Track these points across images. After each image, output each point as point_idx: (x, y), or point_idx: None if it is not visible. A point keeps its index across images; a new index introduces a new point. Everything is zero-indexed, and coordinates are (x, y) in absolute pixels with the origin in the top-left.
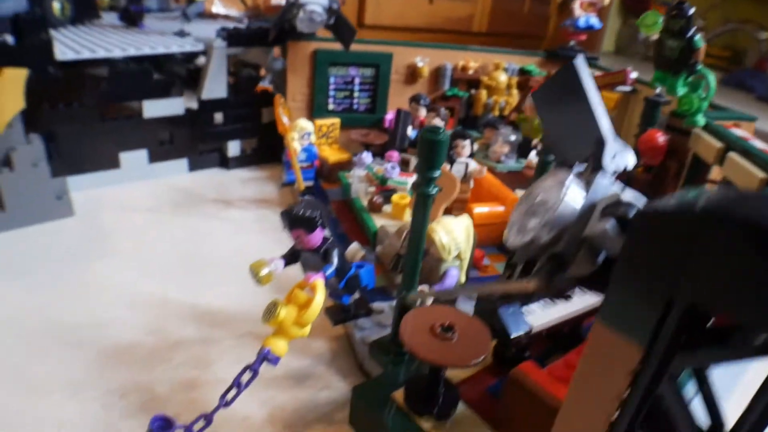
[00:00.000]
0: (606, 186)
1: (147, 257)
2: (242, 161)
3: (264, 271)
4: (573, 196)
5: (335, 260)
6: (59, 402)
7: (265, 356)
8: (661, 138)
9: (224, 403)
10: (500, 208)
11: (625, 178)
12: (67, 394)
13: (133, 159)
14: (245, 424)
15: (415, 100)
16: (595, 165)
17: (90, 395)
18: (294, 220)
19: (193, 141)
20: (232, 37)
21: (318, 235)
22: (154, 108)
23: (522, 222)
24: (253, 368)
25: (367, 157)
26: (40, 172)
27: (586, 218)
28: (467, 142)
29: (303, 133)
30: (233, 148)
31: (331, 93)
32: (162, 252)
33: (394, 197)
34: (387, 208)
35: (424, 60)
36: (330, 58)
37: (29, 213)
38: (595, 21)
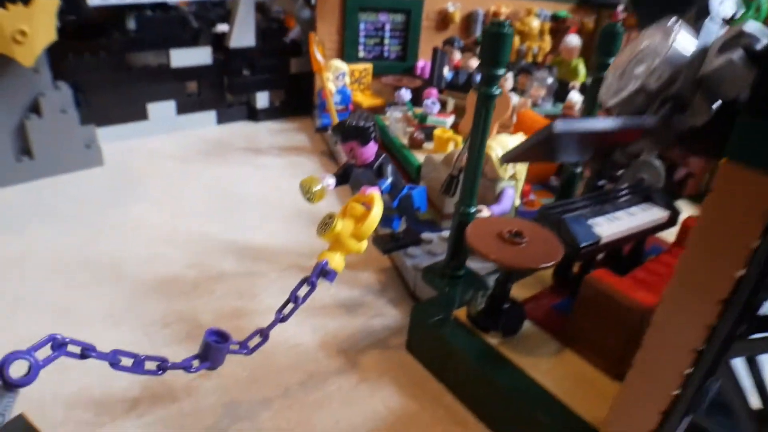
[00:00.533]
0: (716, 31)
1: (181, 199)
2: (271, 113)
3: (317, 187)
4: (682, 40)
5: (390, 174)
6: (101, 331)
7: (322, 267)
8: None
9: (281, 317)
10: None
11: None
12: (108, 324)
13: (161, 110)
14: (297, 350)
15: (449, 42)
16: (699, 13)
17: (132, 324)
18: (347, 132)
19: (221, 92)
20: None
21: (372, 148)
22: (182, 57)
23: (627, 70)
24: (310, 281)
25: (406, 93)
26: (68, 119)
27: (699, 60)
28: (510, 75)
29: (338, 74)
30: (262, 99)
31: (361, 40)
32: (196, 195)
33: (436, 131)
34: (427, 145)
35: (455, 5)
36: (360, 2)
37: (58, 161)
38: None
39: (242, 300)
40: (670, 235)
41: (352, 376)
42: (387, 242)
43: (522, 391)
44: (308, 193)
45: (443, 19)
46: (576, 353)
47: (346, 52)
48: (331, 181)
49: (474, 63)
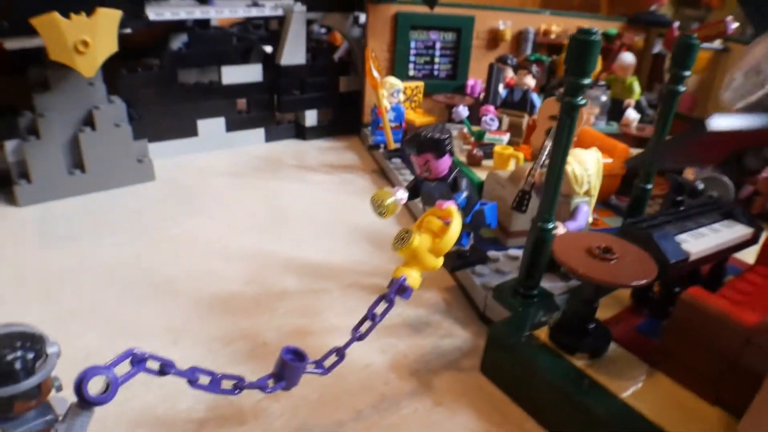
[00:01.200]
0: None
1: (234, 215)
2: (319, 132)
3: (389, 200)
4: None
5: (465, 188)
6: (160, 347)
7: (401, 284)
8: None
9: (358, 336)
10: (609, 160)
11: None
12: (168, 340)
13: (211, 127)
14: (368, 371)
15: (501, 60)
16: None
17: (193, 341)
18: (423, 144)
19: (270, 110)
20: (313, 0)
21: (446, 161)
22: (233, 74)
23: (760, 73)
24: (388, 298)
25: (464, 110)
26: (122, 133)
27: None
28: None
29: (393, 90)
30: (310, 117)
31: (412, 58)
32: (248, 210)
33: (497, 148)
34: (486, 162)
35: (506, 23)
36: (411, 21)
37: (110, 175)
38: None
39: (306, 318)
40: (744, 254)
41: (427, 399)
42: (454, 260)
43: (616, 416)
44: (380, 207)
45: (494, 38)
46: (668, 376)
47: (397, 70)
48: (403, 194)
49: (529, 80)
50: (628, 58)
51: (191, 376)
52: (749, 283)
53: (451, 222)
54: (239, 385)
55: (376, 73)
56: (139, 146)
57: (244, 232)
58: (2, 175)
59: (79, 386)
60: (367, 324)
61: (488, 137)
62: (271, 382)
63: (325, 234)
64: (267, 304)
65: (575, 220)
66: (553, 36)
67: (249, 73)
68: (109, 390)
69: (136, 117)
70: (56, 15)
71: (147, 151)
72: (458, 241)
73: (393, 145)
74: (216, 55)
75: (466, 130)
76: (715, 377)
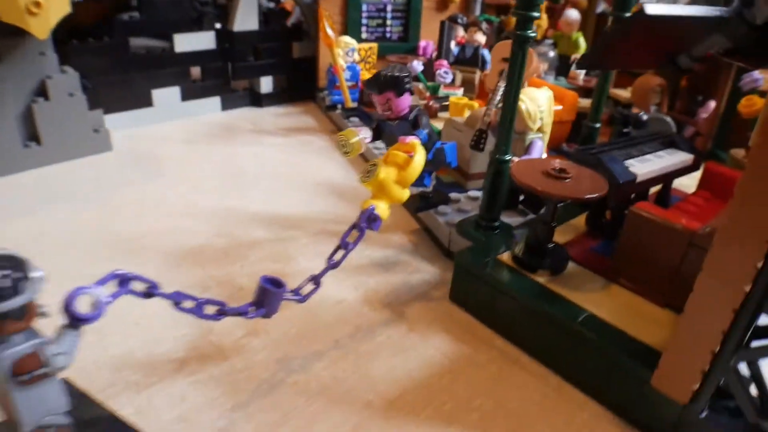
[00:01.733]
0: None
1: (196, 177)
2: (274, 98)
3: (354, 139)
4: None
5: (426, 126)
6: (136, 301)
7: (371, 213)
8: None
9: (333, 264)
10: (559, 107)
11: None
12: (141, 292)
13: (166, 97)
14: (341, 306)
15: (452, 19)
16: None
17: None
18: (384, 82)
19: (225, 77)
20: None
21: (407, 99)
22: (185, 42)
23: None
24: (359, 226)
25: (418, 65)
26: (76, 103)
27: None
28: None
29: (347, 50)
30: (265, 84)
31: (364, 21)
32: (210, 172)
33: (452, 98)
34: (442, 114)
35: None
36: None
37: (67, 146)
38: None
39: (278, 264)
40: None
41: (401, 327)
42: (417, 202)
43: (580, 322)
44: (345, 145)
45: (443, 0)
46: (622, 287)
47: (350, 33)
48: (367, 133)
49: (479, 37)
50: (573, 14)
51: (176, 298)
52: (692, 204)
53: (415, 155)
54: (222, 310)
55: (330, 32)
56: (95, 116)
57: (207, 192)
58: None
59: (68, 304)
60: (341, 252)
61: (442, 92)
62: (252, 309)
63: (289, 190)
64: (237, 253)
65: (530, 155)
66: None
67: (202, 40)
68: (97, 309)
69: (90, 87)
70: None
71: (103, 121)
72: (421, 182)
73: (350, 104)
74: (168, 23)
75: (421, 85)
76: (664, 282)
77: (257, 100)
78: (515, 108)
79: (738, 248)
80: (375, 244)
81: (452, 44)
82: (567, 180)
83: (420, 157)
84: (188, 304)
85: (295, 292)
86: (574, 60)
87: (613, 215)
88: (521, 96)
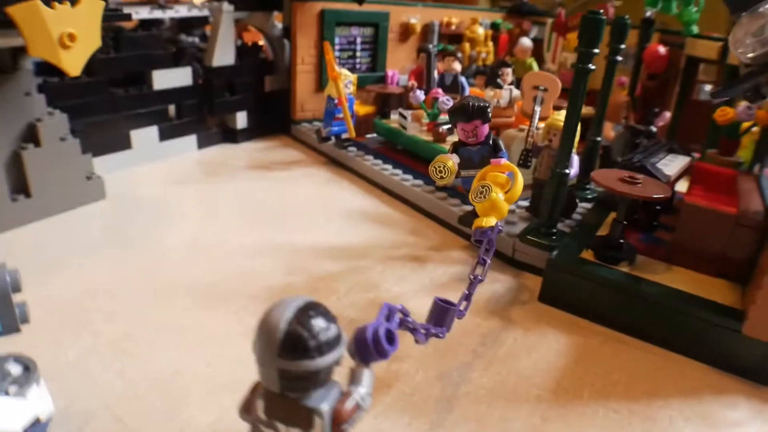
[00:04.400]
0: None
1: (221, 217)
2: (249, 134)
3: (450, 162)
4: None
5: (504, 146)
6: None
7: (499, 229)
8: (662, 49)
9: (479, 279)
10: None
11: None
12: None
13: (145, 137)
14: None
15: (423, 50)
16: None
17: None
18: (473, 112)
19: (200, 114)
20: (238, 0)
21: (487, 126)
22: (164, 79)
23: (762, 38)
24: (491, 242)
25: (420, 94)
26: (68, 148)
27: None
28: (509, 70)
29: (345, 81)
30: (240, 120)
31: (337, 54)
32: (232, 211)
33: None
34: (450, 138)
35: (416, 17)
36: (336, 17)
37: (61, 197)
38: None
39: (371, 292)
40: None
41: (517, 329)
42: (472, 218)
43: (664, 294)
44: (443, 170)
45: (405, 31)
46: (682, 267)
47: (324, 66)
48: (455, 158)
49: (456, 65)
50: (526, 42)
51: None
52: (704, 196)
53: (515, 173)
54: (429, 333)
55: (336, 66)
56: (85, 162)
57: (244, 230)
58: None
59: (375, 341)
60: (480, 268)
61: (441, 118)
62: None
63: (328, 221)
64: (324, 287)
65: (573, 167)
66: (453, 27)
67: (179, 76)
68: (394, 341)
69: (79, 129)
70: (38, 2)
71: (93, 166)
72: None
73: (354, 134)
74: (146, 59)
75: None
76: (717, 258)
77: (232, 136)
78: (576, 131)
79: None
80: (443, 263)
81: (435, 73)
82: (639, 184)
83: (520, 175)
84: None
85: (456, 308)
86: (523, 78)
87: (647, 212)
88: (560, 118)
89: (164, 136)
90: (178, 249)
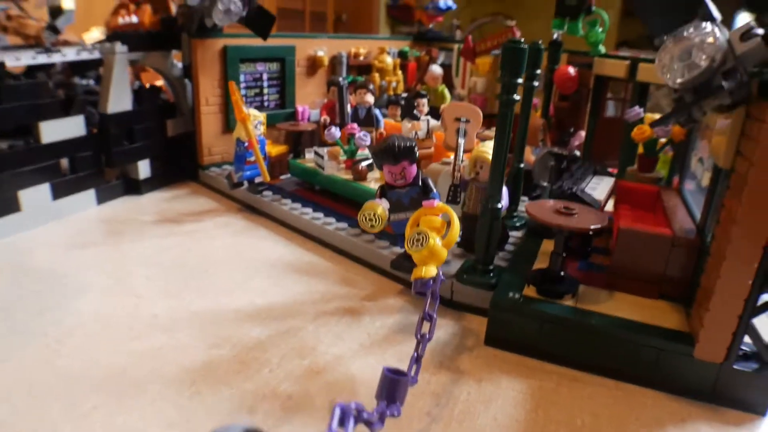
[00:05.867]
0: (721, 27)
1: (130, 284)
2: (154, 183)
3: (380, 210)
4: (722, 36)
5: (434, 186)
6: None
7: (442, 279)
8: (572, 70)
9: (427, 339)
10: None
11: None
12: None
13: (36, 197)
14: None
15: (333, 83)
16: (703, 18)
17: (212, 423)
18: (399, 153)
19: (98, 166)
20: (132, 40)
21: (415, 167)
22: (53, 130)
23: (688, 63)
24: (435, 293)
25: (336, 131)
26: None
27: (731, 46)
28: (425, 101)
29: (255, 122)
30: (143, 169)
31: (243, 92)
32: (142, 275)
33: None
34: (372, 174)
35: (323, 50)
36: (240, 54)
37: None
38: (451, 2)
39: (306, 359)
40: None
41: (470, 382)
42: (404, 261)
43: (611, 325)
44: (373, 219)
45: (312, 65)
46: (622, 291)
47: (230, 105)
48: (385, 203)
49: (369, 98)
50: (436, 69)
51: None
52: (632, 217)
53: (450, 216)
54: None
55: (244, 106)
56: None
57: (155, 298)
58: None
59: None
60: (426, 325)
61: (359, 154)
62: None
63: (250, 278)
64: (253, 359)
65: (503, 199)
66: (361, 58)
67: (71, 127)
68: None
69: None
70: None
71: None
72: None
73: (268, 178)
74: (33, 109)
75: (340, 148)
76: (656, 279)
77: (135, 187)
78: (505, 161)
79: (748, 239)
80: (380, 314)
81: (348, 107)
82: (575, 215)
83: (455, 217)
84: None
85: (409, 376)
86: (443, 110)
87: (582, 238)
88: (485, 150)
89: (58, 193)
90: (78, 331)
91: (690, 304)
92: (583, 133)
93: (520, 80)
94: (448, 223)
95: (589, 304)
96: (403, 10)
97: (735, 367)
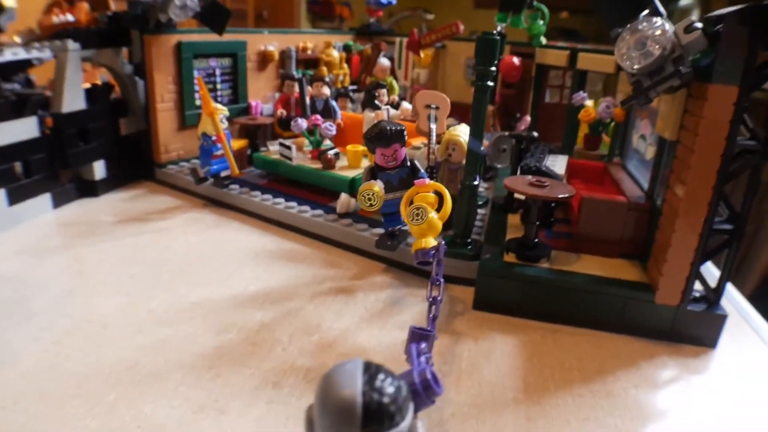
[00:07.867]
0: (668, 21)
1: (115, 283)
2: (110, 184)
3: (376, 188)
4: (670, 28)
5: (421, 167)
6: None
7: (444, 248)
8: (516, 60)
9: (439, 300)
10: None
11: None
12: (214, 413)
13: None
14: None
15: (287, 77)
16: (650, 13)
17: (242, 403)
18: (391, 136)
19: (52, 169)
20: (85, 37)
21: (404, 149)
22: (5, 133)
23: (644, 52)
24: (440, 261)
25: (303, 122)
26: None
27: (677, 37)
28: (384, 90)
29: (221, 116)
30: (99, 169)
31: (196, 87)
32: (125, 273)
33: (348, 147)
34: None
35: (273, 45)
36: (193, 49)
37: None
38: None
39: (315, 334)
40: None
41: (468, 340)
42: (387, 240)
43: (586, 281)
44: (372, 198)
45: (263, 59)
46: (587, 253)
47: (185, 101)
48: (380, 183)
49: (326, 90)
50: (385, 61)
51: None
52: (589, 188)
53: (442, 192)
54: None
55: (212, 101)
56: None
57: (146, 295)
58: None
59: (426, 384)
60: (436, 289)
61: (325, 144)
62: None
63: (239, 267)
64: (264, 340)
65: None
66: (309, 52)
67: (23, 129)
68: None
69: None
70: None
71: None
72: (396, 223)
73: (237, 171)
74: None
75: (305, 140)
76: (616, 241)
77: (90, 189)
78: (481, 146)
79: (696, 198)
80: (372, 290)
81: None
82: (546, 187)
83: (448, 194)
84: None
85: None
86: (393, 101)
87: (545, 210)
88: (458, 133)
89: (14, 199)
90: (74, 333)
91: (645, 260)
92: (528, 118)
93: (493, 69)
94: (440, 199)
95: (562, 265)
96: (324, 6)
97: (689, 308)
